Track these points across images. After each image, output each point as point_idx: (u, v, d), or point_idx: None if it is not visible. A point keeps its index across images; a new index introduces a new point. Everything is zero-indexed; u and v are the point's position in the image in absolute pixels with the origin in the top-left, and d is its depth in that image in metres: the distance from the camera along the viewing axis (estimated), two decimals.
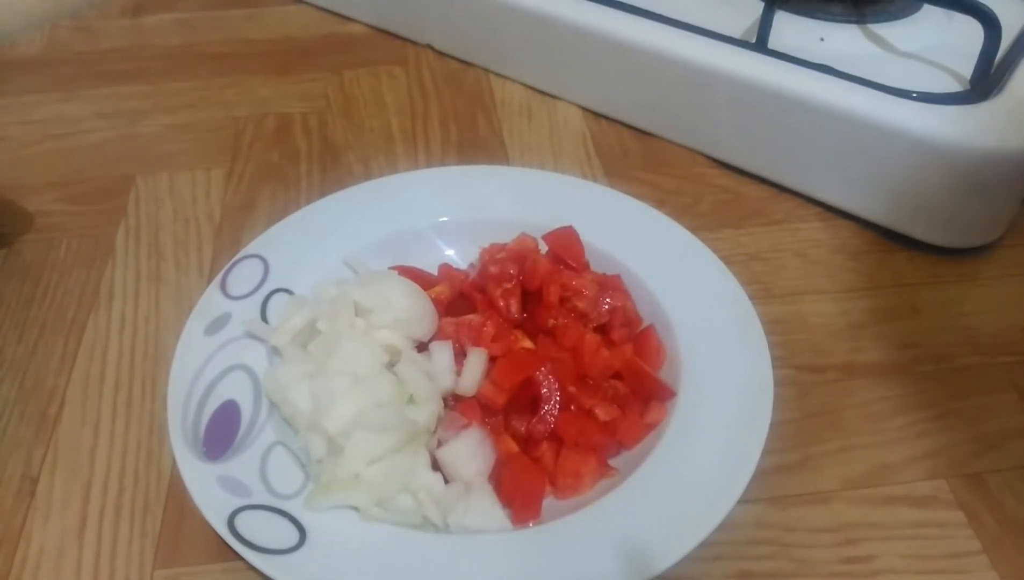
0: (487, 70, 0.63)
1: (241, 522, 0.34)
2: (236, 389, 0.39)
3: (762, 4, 0.50)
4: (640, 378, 0.39)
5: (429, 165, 0.51)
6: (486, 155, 0.56)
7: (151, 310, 0.46)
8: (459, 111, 0.60)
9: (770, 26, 0.50)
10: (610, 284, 0.43)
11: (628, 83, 0.56)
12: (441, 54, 0.65)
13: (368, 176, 0.50)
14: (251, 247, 0.45)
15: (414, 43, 0.67)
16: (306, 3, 0.71)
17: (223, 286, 0.43)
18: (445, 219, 0.48)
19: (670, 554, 0.32)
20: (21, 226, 0.52)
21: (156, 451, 0.40)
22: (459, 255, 0.47)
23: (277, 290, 0.43)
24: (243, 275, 0.44)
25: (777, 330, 0.42)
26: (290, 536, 0.34)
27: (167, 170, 0.55)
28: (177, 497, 0.38)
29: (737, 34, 0.51)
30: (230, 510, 0.34)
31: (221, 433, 0.37)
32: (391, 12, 0.67)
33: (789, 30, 0.51)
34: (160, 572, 0.36)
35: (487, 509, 0.35)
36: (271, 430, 0.38)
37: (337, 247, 0.46)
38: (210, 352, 0.40)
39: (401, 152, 0.56)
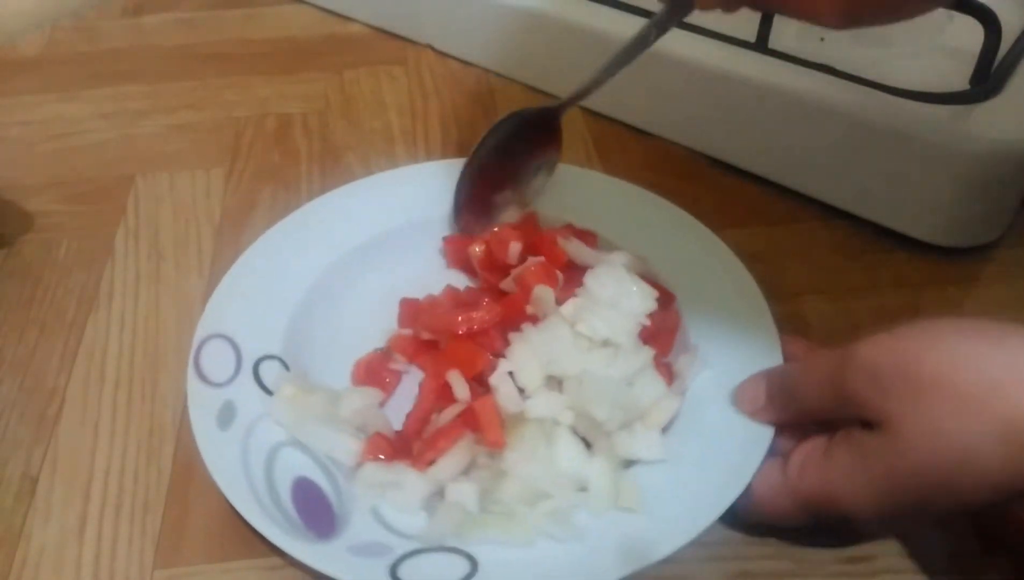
0: (487, 70, 0.63)
1: (404, 570, 0.32)
2: (295, 466, 0.36)
3: None
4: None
5: None
6: None
7: (151, 310, 0.46)
8: (459, 111, 0.60)
9: (770, 26, 0.50)
10: None
11: (628, 83, 0.55)
12: (441, 54, 0.65)
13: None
14: (210, 315, 0.41)
15: (414, 43, 0.67)
16: (306, 3, 0.71)
17: (200, 375, 0.39)
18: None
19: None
20: (21, 226, 0.51)
21: (156, 451, 0.40)
22: None
23: (265, 357, 0.40)
24: (215, 354, 0.40)
25: (777, 330, 0.42)
26: (460, 568, 0.33)
27: (167, 170, 0.55)
28: (177, 497, 0.38)
29: (737, 34, 0.51)
30: (388, 564, 0.33)
31: (315, 511, 0.35)
32: (391, 12, 0.67)
33: (789, 30, 0.51)
34: (160, 572, 0.36)
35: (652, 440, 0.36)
36: (360, 486, 0.36)
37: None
38: (241, 445, 0.37)
39: (401, 152, 0.56)
